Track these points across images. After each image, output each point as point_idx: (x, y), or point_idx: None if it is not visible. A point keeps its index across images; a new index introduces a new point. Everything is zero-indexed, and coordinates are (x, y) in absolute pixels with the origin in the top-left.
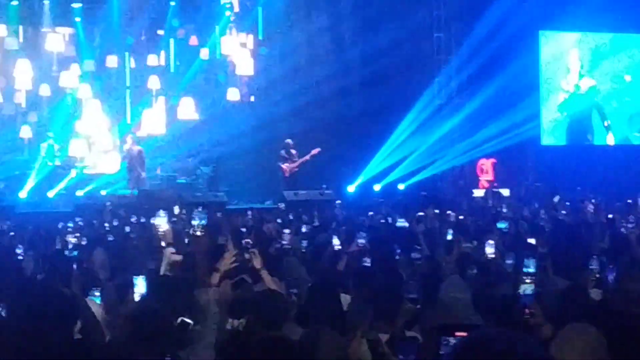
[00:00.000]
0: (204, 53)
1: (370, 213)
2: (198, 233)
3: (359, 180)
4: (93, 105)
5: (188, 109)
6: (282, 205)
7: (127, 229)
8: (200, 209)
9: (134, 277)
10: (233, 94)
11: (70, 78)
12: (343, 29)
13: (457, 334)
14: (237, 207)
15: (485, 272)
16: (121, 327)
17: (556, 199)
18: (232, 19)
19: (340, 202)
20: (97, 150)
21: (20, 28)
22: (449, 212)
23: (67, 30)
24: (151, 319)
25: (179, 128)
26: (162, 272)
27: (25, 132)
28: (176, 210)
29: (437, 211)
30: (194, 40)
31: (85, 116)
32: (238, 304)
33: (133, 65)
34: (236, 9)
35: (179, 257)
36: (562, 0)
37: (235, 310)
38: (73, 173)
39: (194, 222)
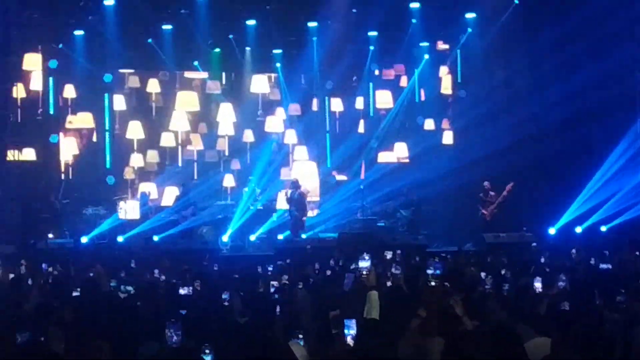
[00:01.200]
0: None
1: (573, 255)
2: (432, 283)
3: (560, 222)
4: (300, 151)
5: (401, 154)
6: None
7: (328, 272)
8: (436, 259)
9: (346, 319)
10: (448, 137)
11: (275, 122)
12: (543, 68)
13: None
14: (436, 250)
15: None
16: None
17: None
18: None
19: (536, 245)
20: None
21: (223, 75)
22: None
23: (269, 76)
24: None
25: (378, 171)
26: (365, 314)
27: (228, 181)
28: (388, 255)
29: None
30: (404, 82)
31: (293, 164)
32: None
33: (340, 108)
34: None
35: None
36: None
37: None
38: (274, 216)
39: (429, 272)
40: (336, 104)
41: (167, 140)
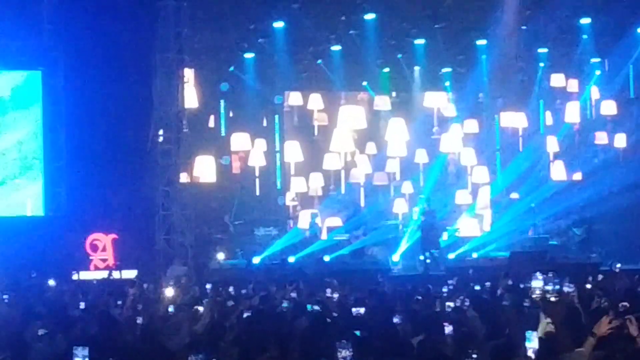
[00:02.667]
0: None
1: None
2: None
3: None
4: (480, 173)
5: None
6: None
7: (499, 290)
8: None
9: (527, 332)
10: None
11: (452, 140)
12: None
13: None
14: (610, 269)
15: None
16: None
17: None
18: None
19: None
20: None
21: (393, 94)
22: None
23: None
24: None
25: (550, 189)
26: (538, 333)
27: (399, 207)
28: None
29: None
30: (595, 94)
31: (479, 190)
32: None
33: (512, 125)
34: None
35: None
36: None
37: None
38: (445, 236)
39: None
40: (507, 121)
41: (330, 162)
